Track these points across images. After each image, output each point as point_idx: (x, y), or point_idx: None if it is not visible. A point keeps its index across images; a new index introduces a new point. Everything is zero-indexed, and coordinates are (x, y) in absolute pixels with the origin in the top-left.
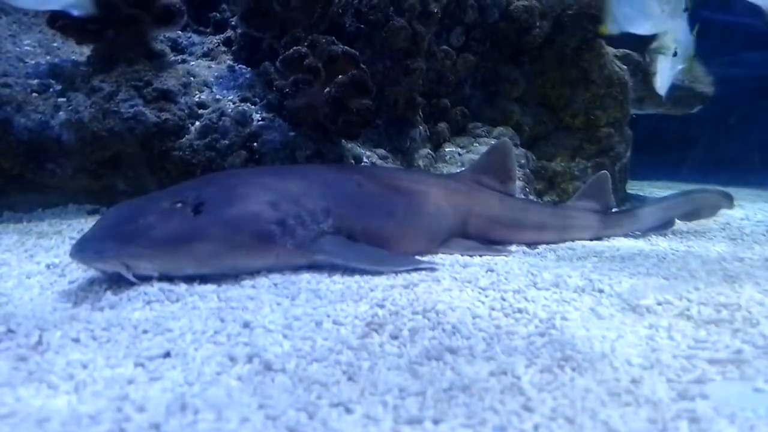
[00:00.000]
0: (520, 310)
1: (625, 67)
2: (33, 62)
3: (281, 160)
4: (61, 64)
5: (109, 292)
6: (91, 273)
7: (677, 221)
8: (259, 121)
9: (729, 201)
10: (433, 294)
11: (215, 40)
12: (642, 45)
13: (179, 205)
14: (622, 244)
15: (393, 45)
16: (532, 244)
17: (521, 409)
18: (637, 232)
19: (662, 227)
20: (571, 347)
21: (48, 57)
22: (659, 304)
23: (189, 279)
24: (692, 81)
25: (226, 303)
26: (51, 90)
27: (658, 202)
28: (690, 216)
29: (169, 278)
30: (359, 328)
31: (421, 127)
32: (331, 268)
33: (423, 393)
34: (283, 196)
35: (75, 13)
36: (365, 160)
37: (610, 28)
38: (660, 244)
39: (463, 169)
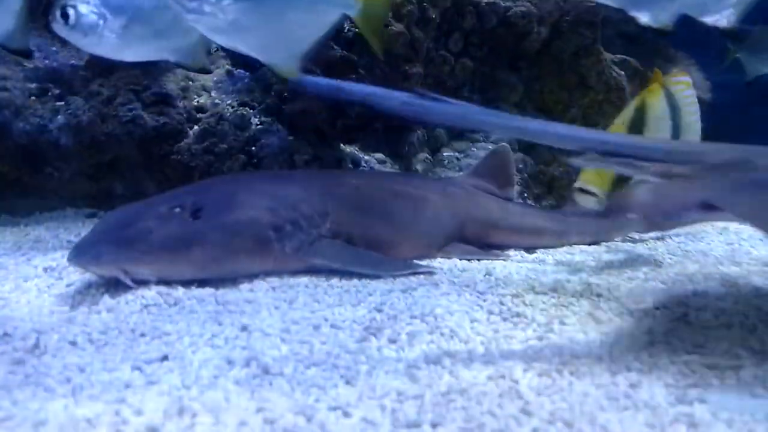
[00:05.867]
0: (518, 314)
1: (622, 72)
2: (31, 66)
3: (279, 164)
4: (59, 68)
5: (106, 296)
6: (89, 276)
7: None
8: (257, 125)
9: None
10: (432, 298)
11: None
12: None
13: (177, 209)
14: (620, 248)
15: (391, 50)
16: (530, 249)
17: (520, 413)
18: (635, 236)
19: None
20: (569, 351)
21: (46, 61)
22: (657, 308)
23: (187, 283)
24: None
25: (223, 306)
26: (49, 94)
27: None
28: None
29: (166, 282)
30: (357, 332)
31: (419, 132)
32: (329, 273)
33: (421, 397)
34: (281, 201)
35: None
36: (363, 164)
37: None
38: (658, 248)
39: (462, 173)
